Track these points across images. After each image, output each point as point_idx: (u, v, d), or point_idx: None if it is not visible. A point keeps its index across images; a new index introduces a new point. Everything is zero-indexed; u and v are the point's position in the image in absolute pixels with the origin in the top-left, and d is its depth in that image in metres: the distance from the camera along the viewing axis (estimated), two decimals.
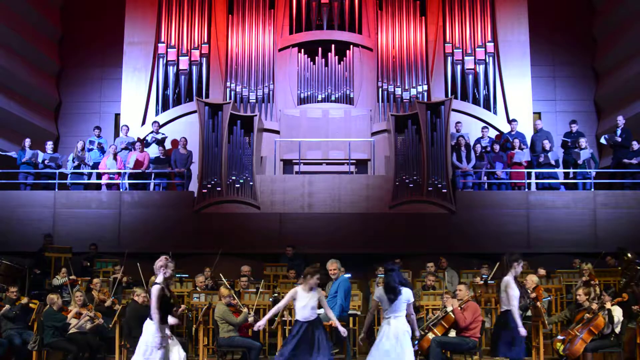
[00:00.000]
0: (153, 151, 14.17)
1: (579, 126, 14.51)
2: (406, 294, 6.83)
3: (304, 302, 7.01)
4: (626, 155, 13.64)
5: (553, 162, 13.77)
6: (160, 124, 14.95)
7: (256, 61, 15.32)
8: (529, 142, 14.36)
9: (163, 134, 14.70)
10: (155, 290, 6.61)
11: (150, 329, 6.66)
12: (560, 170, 14.12)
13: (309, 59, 15.29)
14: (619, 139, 13.90)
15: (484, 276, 10.96)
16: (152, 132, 14.58)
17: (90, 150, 14.28)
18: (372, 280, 11.51)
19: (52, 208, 13.43)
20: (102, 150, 14.40)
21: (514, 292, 7.16)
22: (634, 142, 13.62)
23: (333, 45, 15.24)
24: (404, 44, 15.33)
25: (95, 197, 13.64)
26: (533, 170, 13.70)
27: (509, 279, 7.22)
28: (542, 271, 11.19)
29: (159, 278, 6.70)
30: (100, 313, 9.52)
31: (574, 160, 13.79)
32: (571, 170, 13.91)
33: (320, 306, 7.21)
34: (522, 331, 7.13)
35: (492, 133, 14.72)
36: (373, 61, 15.31)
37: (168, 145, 14.63)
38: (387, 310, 6.82)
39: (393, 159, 13.60)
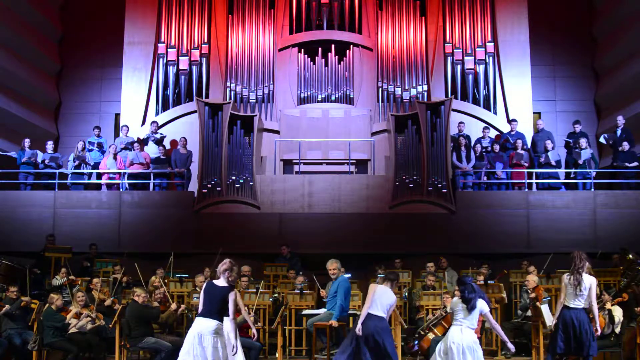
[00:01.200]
0: (152, 151, 14.16)
1: (581, 126, 14.50)
2: (480, 305, 6.95)
3: None
4: (619, 154, 13.62)
5: (553, 163, 13.77)
6: (161, 124, 14.95)
7: (256, 61, 15.32)
8: (529, 142, 14.36)
9: (161, 133, 14.70)
10: (234, 295, 6.61)
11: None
12: (560, 170, 14.12)
13: (309, 59, 15.29)
14: (623, 137, 13.88)
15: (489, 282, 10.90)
16: (150, 132, 14.58)
17: (90, 150, 14.27)
18: (372, 280, 11.50)
19: (52, 208, 13.43)
20: (102, 151, 14.40)
21: None
22: (625, 143, 13.59)
23: (333, 45, 15.23)
24: (404, 44, 15.33)
25: (95, 197, 13.63)
26: (534, 170, 13.70)
27: (593, 277, 7.39)
28: (531, 268, 11.21)
29: (221, 282, 6.63)
30: (101, 314, 9.52)
31: (574, 160, 13.79)
32: (572, 170, 13.91)
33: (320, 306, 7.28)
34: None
35: (492, 133, 14.72)
36: (373, 61, 15.31)
37: (167, 145, 14.63)
38: (461, 319, 6.89)
39: (393, 159, 13.60)
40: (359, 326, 7.33)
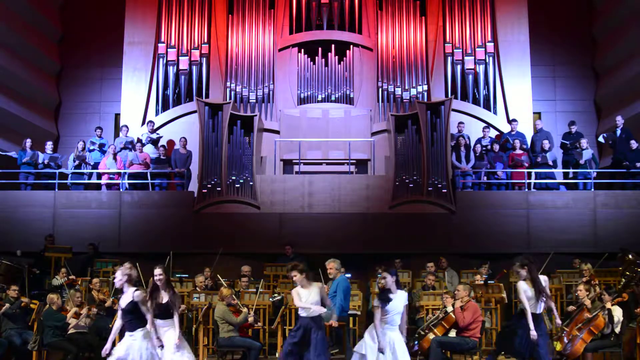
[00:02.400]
0: (149, 151, 14.16)
1: (578, 126, 14.50)
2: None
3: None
4: (627, 153, 13.61)
5: (550, 163, 13.77)
6: (161, 123, 14.98)
7: (256, 61, 15.32)
8: (529, 142, 14.35)
9: (158, 133, 14.72)
10: (140, 295, 6.83)
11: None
12: (559, 170, 14.12)
13: (309, 59, 15.29)
14: (623, 137, 13.88)
15: (484, 276, 10.95)
16: (147, 132, 14.59)
17: (91, 151, 14.27)
18: (372, 280, 11.52)
19: (52, 208, 13.43)
20: (103, 151, 14.39)
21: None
22: (632, 142, 13.60)
23: (333, 45, 15.23)
24: (404, 44, 15.33)
25: (95, 197, 13.63)
26: (533, 170, 13.70)
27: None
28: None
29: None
30: (94, 305, 9.54)
31: (575, 161, 13.79)
32: (570, 170, 13.93)
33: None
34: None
35: (492, 133, 14.72)
36: (373, 61, 15.31)
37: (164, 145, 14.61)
38: (395, 319, 6.92)
39: (393, 159, 13.60)
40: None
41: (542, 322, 7.35)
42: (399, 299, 6.91)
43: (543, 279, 7.43)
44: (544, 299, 7.28)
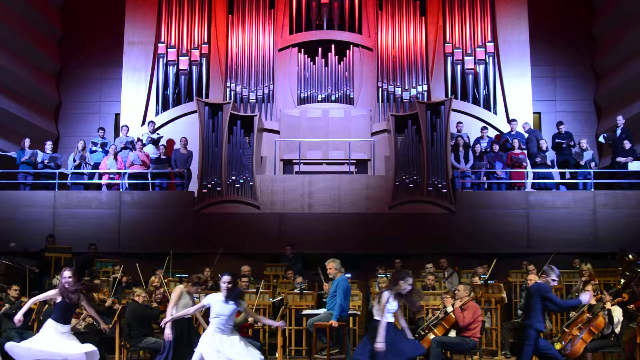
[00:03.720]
0: (149, 151, 14.16)
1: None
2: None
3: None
4: (621, 154, 13.63)
5: (549, 163, 13.78)
6: (161, 123, 14.98)
7: (256, 61, 15.32)
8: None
9: (158, 133, 14.72)
10: None
11: None
12: (559, 170, 14.13)
13: (309, 59, 15.29)
14: (622, 137, 13.90)
15: (482, 276, 10.95)
16: (147, 132, 14.59)
17: (93, 152, 14.25)
18: (372, 280, 11.52)
19: (52, 208, 13.43)
20: (105, 151, 14.38)
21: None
22: (626, 142, 13.61)
23: (333, 45, 15.24)
24: (404, 44, 15.33)
25: (95, 197, 13.63)
26: (532, 170, 13.70)
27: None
28: (531, 267, 11.22)
29: None
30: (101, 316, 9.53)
31: (575, 161, 13.79)
32: (568, 171, 13.93)
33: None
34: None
35: (492, 133, 14.73)
36: (373, 61, 15.31)
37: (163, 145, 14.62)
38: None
39: (393, 159, 13.60)
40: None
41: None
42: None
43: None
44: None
